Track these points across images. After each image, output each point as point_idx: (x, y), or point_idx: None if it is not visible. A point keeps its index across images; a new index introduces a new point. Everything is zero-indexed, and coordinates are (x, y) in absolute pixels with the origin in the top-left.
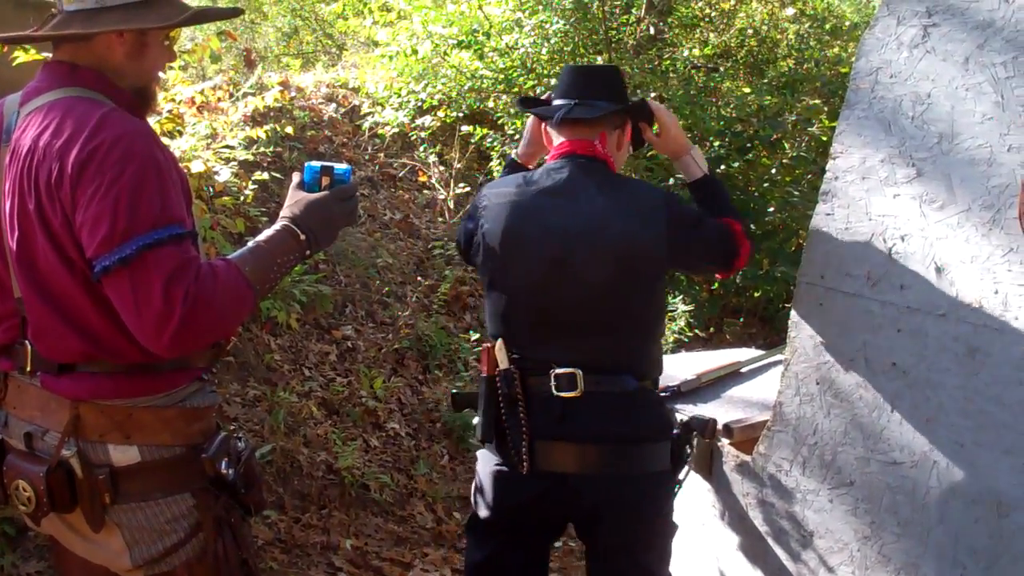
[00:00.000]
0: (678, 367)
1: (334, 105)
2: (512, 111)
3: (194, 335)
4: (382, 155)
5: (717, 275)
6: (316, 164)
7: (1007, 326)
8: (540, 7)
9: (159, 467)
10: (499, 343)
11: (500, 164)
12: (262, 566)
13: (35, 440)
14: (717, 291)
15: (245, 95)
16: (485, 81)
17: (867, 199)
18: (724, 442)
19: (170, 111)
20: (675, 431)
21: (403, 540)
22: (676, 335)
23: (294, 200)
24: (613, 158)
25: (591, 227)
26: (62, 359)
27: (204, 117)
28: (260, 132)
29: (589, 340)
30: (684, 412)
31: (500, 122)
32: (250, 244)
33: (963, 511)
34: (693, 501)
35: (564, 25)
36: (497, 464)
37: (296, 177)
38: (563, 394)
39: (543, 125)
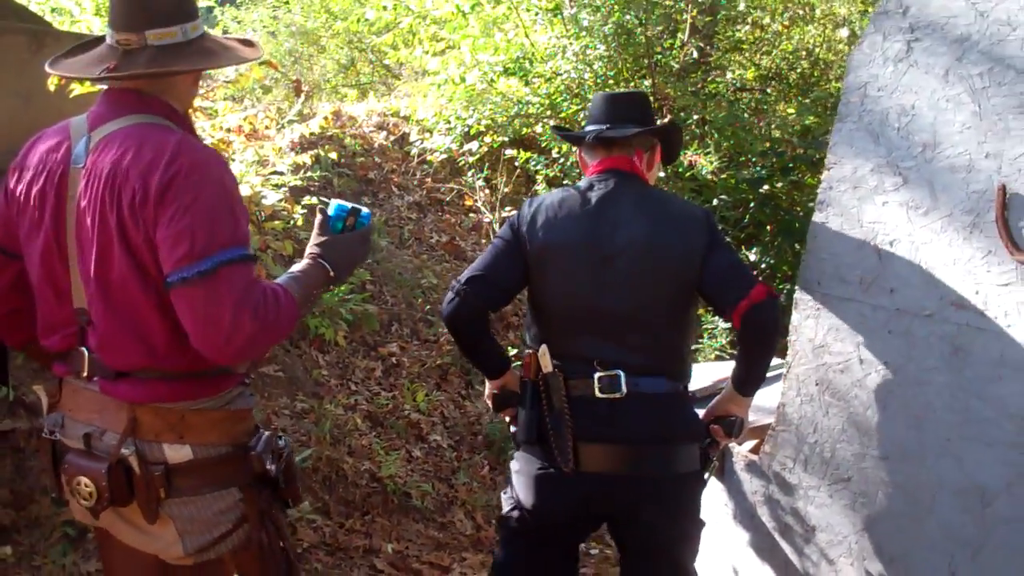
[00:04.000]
0: (696, 375)
1: (385, 133)
2: (549, 133)
3: (254, 350)
4: (430, 180)
5: (725, 312)
6: (346, 204)
7: (988, 325)
8: (584, 33)
9: (209, 464)
10: (543, 348)
11: (544, 187)
12: (307, 567)
13: (94, 440)
14: None
15: (291, 122)
16: (531, 107)
17: (859, 207)
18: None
19: (220, 139)
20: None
21: (443, 545)
22: (717, 352)
23: (321, 240)
24: (646, 174)
25: (636, 236)
26: (121, 368)
27: (252, 144)
28: (306, 157)
29: (630, 343)
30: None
31: (545, 146)
32: (292, 273)
33: (951, 502)
34: (708, 500)
35: (606, 51)
36: (540, 467)
37: (320, 215)
38: (606, 396)
39: (579, 152)
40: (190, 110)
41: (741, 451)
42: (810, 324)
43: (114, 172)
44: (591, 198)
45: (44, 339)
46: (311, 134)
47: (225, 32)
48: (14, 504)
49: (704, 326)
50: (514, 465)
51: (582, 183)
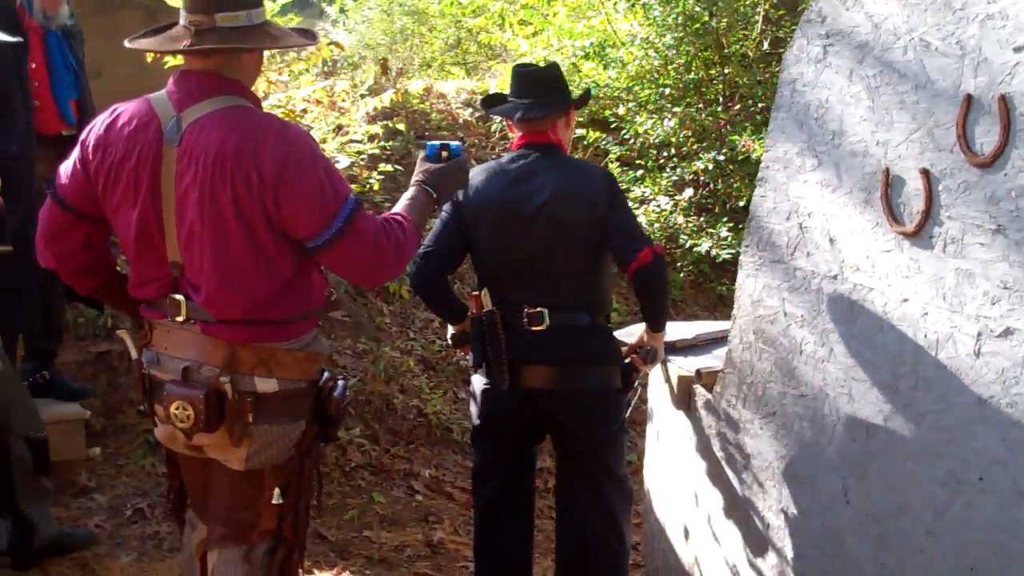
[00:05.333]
0: (684, 330)
1: (471, 110)
2: (628, 116)
3: (400, 268)
4: (506, 154)
5: (622, 267)
6: (436, 142)
7: (875, 284)
8: (653, 21)
9: (289, 396)
10: (484, 291)
11: (616, 165)
12: (352, 483)
13: (191, 372)
14: None
15: (363, 96)
16: (611, 90)
17: (787, 184)
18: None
19: (289, 108)
20: (626, 359)
21: None
22: None
23: (423, 168)
24: (563, 139)
25: (547, 200)
26: (225, 317)
27: (330, 113)
28: (377, 128)
29: (550, 286)
30: (672, 361)
31: (614, 126)
32: (403, 201)
33: (844, 433)
34: (678, 435)
35: (673, 40)
36: (485, 385)
37: (421, 153)
38: (532, 328)
39: (507, 122)
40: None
41: (702, 391)
42: (750, 282)
43: (221, 156)
44: (512, 171)
45: (138, 291)
46: (383, 107)
47: (342, 10)
48: (105, 413)
49: None
50: (472, 386)
51: (505, 158)
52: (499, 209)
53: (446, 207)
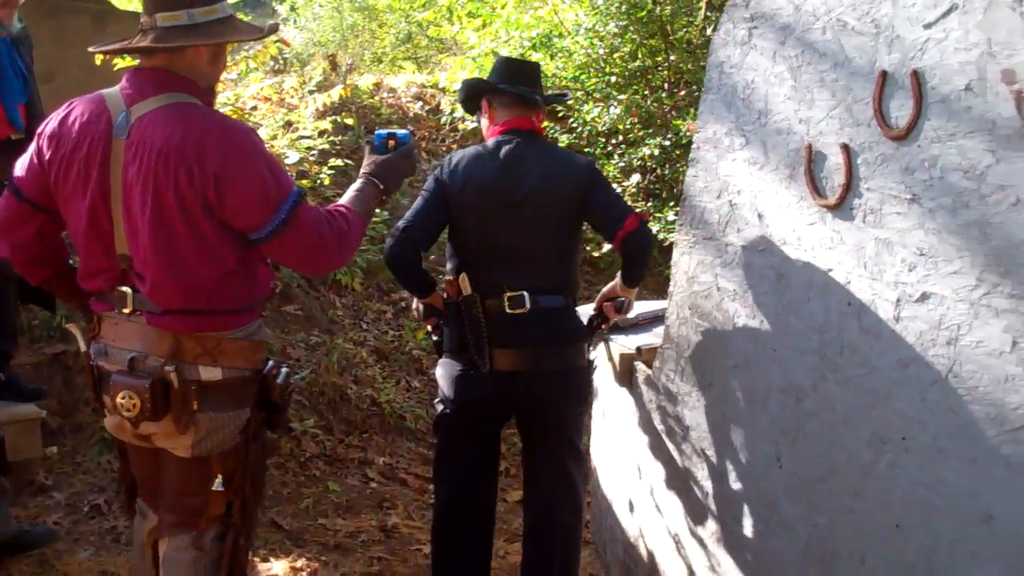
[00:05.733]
0: None
1: (421, 103)
2: (575, 105)
3: (343, 257)
4: (456, 147)
5: (608, 238)
6: (383, 131)
7: (801, 256)
8: (595, 11)
9: (233, 384)
10: (463, 275)
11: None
12: (307, 473)
13: (137, 362)
14: None
15: (311, 92)
16: (558, 79)
17: (717, 163)
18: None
19: (252, 107)
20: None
21: (429, 461)
22: None
23: (370, 160)
24: (540, 128)
25: (534, 184)
26: (169, 307)
27: (279, 110)
28: (326, 124)
29: (531, 270)
30: (615, 339)
31: (560, 115)
32: (350, 193)
33: (776, 400)
34: (621, 412)
35: (616, 28)
36: (461, 369)
37: (367, 145)
38: (514, 311)
39: (485, 103)
40: (217, 84)
41: (642, 367)
42: (685, 259)
43: (166, 150)
44: (500, 155)
45: (87, 282)
46: (332, 103)
47: (293, 8)
48: (61, 413)
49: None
50: (439, 371)
51: (490, 143)
52: (489, 196)
53: (428, 185)
